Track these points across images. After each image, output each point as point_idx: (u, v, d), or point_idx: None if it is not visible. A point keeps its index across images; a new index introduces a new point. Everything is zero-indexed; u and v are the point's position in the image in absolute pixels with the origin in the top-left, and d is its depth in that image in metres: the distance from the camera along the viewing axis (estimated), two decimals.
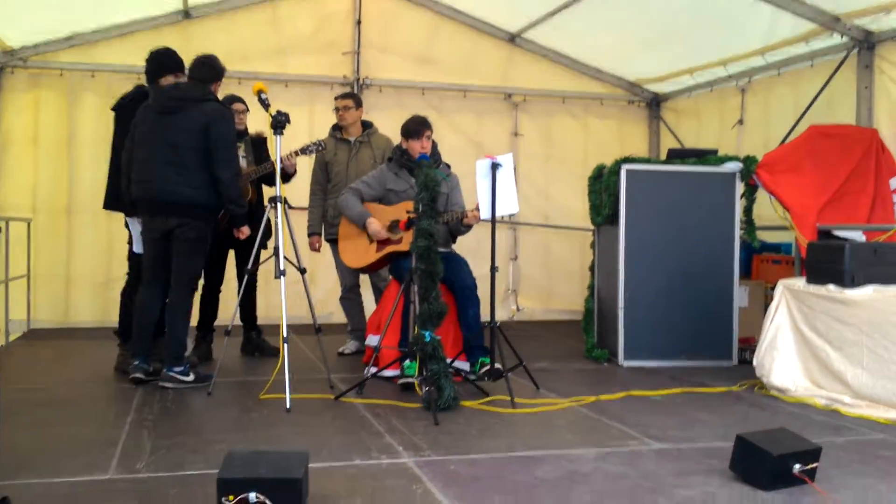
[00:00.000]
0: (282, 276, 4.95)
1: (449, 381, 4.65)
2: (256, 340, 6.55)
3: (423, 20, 8.82)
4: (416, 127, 5.70)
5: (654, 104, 9.59)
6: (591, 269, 6.83)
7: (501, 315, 9.00)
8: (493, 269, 5.12)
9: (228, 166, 5.26)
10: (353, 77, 8.66)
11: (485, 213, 5.17)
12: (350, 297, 6.70)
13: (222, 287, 6.40)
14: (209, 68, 5.44)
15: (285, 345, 4.85)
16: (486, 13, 8.78)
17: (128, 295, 5.74)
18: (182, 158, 5.17)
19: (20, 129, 7.95)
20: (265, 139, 6.26)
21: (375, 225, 5.63)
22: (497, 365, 5.08)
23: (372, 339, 5.76)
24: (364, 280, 6.80)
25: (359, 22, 8.58)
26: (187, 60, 5.54)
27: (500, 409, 4.69)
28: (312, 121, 8.32)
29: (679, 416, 4.64)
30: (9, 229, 7.38)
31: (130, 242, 5.74)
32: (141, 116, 5.31)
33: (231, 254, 6.38)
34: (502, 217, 5.30)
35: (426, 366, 4.66)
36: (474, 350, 5.42)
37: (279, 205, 5.04)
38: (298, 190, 6.75)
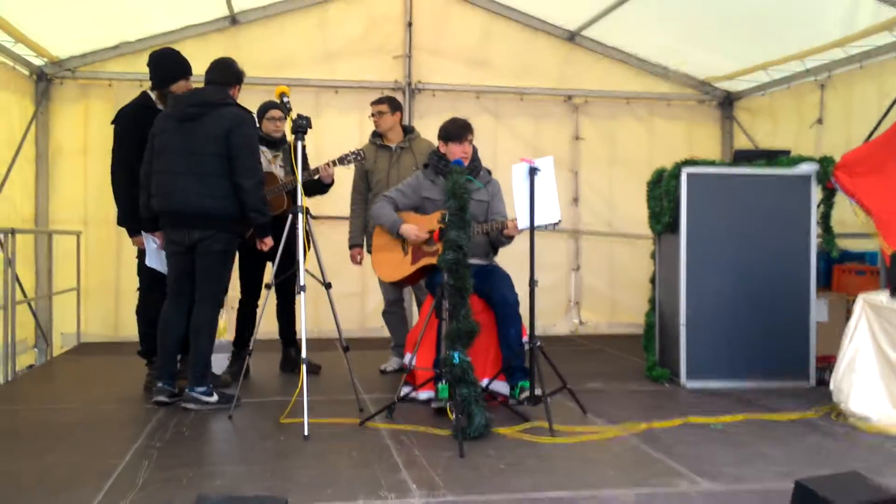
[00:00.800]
0: (301, 293, 4.62)
1: (480, 407, 4.23)
2: (295, 357, 6.22)
3: (476, 20, 8.43)
4: (458, 130, 5.28)
5: (727, 103, 8.96)
6: (652, 280, 6.30)
7: (563, 329, 8.56)
8: (532, 282, 4.68)
9: (251, 174, 4.95)
10: (404, 81, 8.32)
11: (523, 223, 4.74)
12: (393, 311, 6.32)
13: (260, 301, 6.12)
14: (228, 72, 5.13)
15: (304, 365, 4.52)
16: (542, 10, 8.34)
17: (142, 312, 5.49)
18: (204, 167, 4.88)
19: (70, 140, 7.86)
20: (304, 147, 5.95)
21: (411, 229, 5.22)
22: (537, 391, 4.62)
23: (408, 358, 5.37)
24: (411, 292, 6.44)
25: (409, 24, 8.25)
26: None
27: (537, 438, 4.24)
28: (363, 127, 7.99)
29: (740, 449, 4.11)
30: (52, 242, 7.29)
31: (140, 256, 5.48)
32: (160, 125, 5.02)
33: (268, 266, 6.08)
34: (548, 227, 4.85)
35: (456, 390, 4.25)
36: (515, 372, 4.94)
37: (301, 216, 4.72)
38: (337, 200, 6.43)
